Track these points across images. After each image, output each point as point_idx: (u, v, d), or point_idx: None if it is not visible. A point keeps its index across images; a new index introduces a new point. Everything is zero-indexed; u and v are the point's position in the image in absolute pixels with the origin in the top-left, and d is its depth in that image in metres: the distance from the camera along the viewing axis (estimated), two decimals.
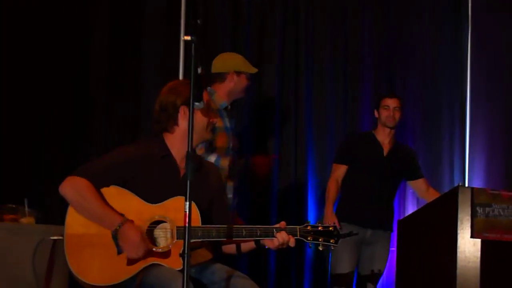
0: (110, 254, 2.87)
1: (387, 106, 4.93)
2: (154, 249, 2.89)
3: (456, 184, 4.12)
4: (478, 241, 3.78)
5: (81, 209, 2.89)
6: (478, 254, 3.76)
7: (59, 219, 3.06)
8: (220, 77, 4.34)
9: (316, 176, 5.62)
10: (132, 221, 2.87)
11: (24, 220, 4.08)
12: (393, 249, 4.92)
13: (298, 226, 3.00)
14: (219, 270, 3.02)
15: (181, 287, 2.52)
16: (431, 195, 4.92)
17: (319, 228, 3.00)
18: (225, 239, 2.95)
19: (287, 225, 3.01)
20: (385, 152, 4.94)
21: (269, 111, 4.27)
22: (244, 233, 2.94)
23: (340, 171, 4.95)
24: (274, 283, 5.37)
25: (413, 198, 5.63)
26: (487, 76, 5.93)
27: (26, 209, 4.09)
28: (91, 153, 4.97)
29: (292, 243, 2.98)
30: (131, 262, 2.86)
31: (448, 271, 3.77)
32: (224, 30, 5.61)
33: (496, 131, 5.81)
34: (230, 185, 4.25)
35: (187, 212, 2.55)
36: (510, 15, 5.97)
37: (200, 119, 3.02)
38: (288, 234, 2.97)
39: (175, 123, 3.03)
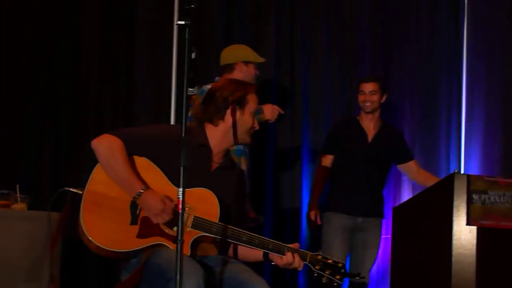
0: (123, 221, 2.86)
1: (363, 91, 4.87)
2: (166, 231, 2.88)
3: (452, 171, 4.09)
4: (474, 228, 3.77)
5: (108, 166, 2.87)
6: (474, 241, 3.75)
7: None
8: (229, 67, 4.46)
9: (311, 163, 5.58)
10: (153, 190, 2.86)
11: (16, 206, 4.05)
12: (388, 236, 4.89)
13: (309, 252, 3.00)
14: (216, 257, 3.02)
15: (189, 269, 2.55)
16: (422, 176, 4.89)
17: (329, 260, 3.00)
18: (236, 242, 2.95)
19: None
20: (370, 137, 4.88)
21: (265, 93, 4.27)
22: (256, 242, 2.95)
23: (326, 161, 4.95)
24: (270, 270, 5.34)
25: (408, 185, 5.59)
26: (484, 61, 5.89)
27: (18, 195, 4.06)
28: (83, 137, 4.94)
29: (300, 267, 2.97)
30: (141, 235, 2.85)
31: (443, 258, 3.76)
32: (219, 9, 5.54)
33: (492, 118, 5.78)
34: (244, 168, 4.32)
35: (180, 199, 2.54)
36: None
37: (247, 119, 3.06)
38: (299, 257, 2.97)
39: (222, 117, 3.04)
